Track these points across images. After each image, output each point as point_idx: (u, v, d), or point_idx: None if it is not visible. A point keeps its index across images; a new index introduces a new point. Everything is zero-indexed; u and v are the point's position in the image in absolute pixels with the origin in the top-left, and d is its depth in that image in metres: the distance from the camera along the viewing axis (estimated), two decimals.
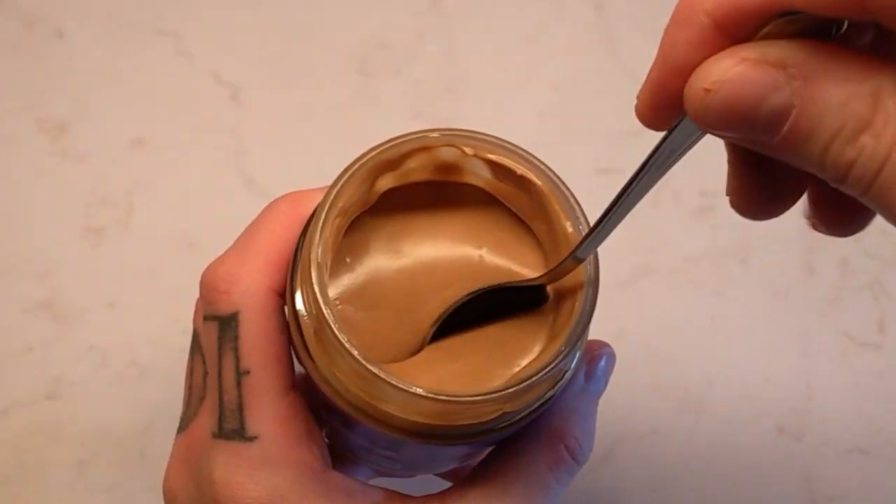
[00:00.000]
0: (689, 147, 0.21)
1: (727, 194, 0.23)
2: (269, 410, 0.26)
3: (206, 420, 0.27)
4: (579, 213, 0.27)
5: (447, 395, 0.24)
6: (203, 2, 0.48)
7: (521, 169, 0.27)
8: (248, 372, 0.26)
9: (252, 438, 0.26)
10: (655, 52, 0.20)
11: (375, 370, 0.24)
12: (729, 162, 0.23)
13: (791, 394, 0.43)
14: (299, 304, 0.26)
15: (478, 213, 0.29)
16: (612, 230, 0.24)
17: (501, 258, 0.29)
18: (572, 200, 0.27)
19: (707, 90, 0.18)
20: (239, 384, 0.26)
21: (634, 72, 0.47)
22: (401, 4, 0.49)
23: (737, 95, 0.17)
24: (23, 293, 0.42)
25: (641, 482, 0.42)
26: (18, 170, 0.44)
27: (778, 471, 0.42)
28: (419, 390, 0.24)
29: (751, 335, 0.44)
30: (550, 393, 0.26)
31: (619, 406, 0.42)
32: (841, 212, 0.22)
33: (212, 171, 0.45)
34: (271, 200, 0.29)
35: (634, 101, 0.20)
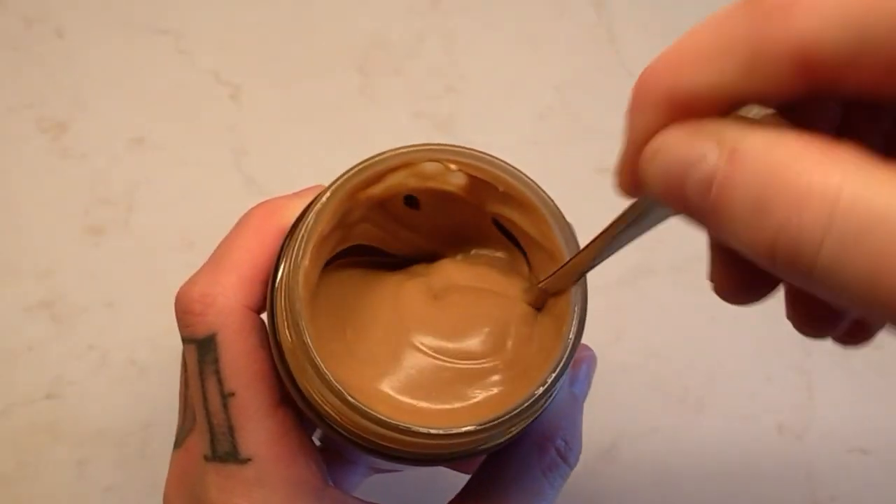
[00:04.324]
0: (658, 220, 0.20)
1: (709, 279, 0.22)
2: (260, 430, 0.26)
3: (198, 440, 0.27)
4: (566, 227, 0.26)
5: (436, 429, 0.23)
6: (203, 1, 0.48)
7: (503, 185, 0.26)
8: (233, 394, 0.26)
9: (246, 460, 0.26)
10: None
11: (362, 406, 0.23)
12: (710, 247, 0.22)
13: (791, 393, 0.43)
14: (281, 333, 0.25)
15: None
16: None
17: (482, 267, 0.29)
18: (558, 214, 0.26)
19: (649, 159, 0.17)
20: (226, 406, 0.26)
21: (635, 71, 0.47)
22: (401, 4, 0.49)
23: (668, 163, 0.17)
24: (23, 293, 0.42)
25: (642, 481, 0.42)
26: (18, 169, 0.44)
27: (778, 470, 0.42)
28: (409, 426, 0.23)
29: (751, 334, 0.44)
30: (540, 411, 0.26)
31: (619, 405, 0.42)
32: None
33: (211, 170, 0.45)
34: (245, 211, 0.29)
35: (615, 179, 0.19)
